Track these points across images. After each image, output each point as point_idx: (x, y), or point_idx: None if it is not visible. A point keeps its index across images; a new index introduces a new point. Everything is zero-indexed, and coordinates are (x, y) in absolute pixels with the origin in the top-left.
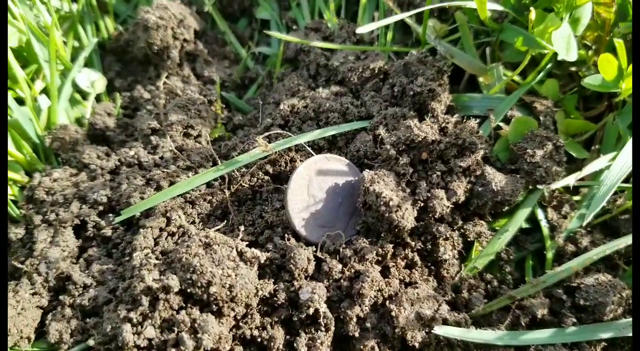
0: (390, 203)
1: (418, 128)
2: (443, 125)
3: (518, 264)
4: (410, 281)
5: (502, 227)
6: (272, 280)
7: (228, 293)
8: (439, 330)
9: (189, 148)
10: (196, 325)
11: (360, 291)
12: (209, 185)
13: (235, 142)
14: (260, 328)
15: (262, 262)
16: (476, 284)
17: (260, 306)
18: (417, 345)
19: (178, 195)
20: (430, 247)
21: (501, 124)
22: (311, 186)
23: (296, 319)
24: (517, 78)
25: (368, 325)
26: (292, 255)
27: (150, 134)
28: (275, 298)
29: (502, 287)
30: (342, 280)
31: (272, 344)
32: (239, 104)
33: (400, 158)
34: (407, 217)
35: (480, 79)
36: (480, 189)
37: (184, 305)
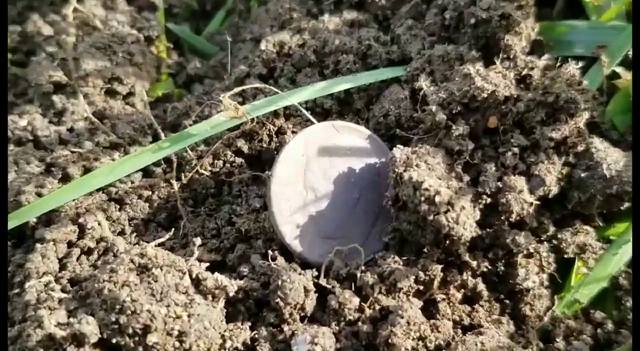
0: (437, 199)
1: (483, 77)
2: (524, 72)
3: None
4: (472, 324)
5: (621, 236)
6: (249, 324)
7: (177, 344)
8: None
9: (114, 115)
10: None
11: (390, 341)
12: (146, 173)
13: (189, 103)
14: None
15: (232, 294)
16: (579, 327)
17: None
18: None
19: (98, 190)
20: (503, 268)
21: (619, 70)
22: (310, 173)
23: None
24: None
25: None
26: (281, 284)
27: (53, 92)
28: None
29: (621, 332)
30: (360, 323)
31: None
32: (195, 43)
33: (455, 127)
34: (464, 222)
35: None
36: (583, 175)
37: None
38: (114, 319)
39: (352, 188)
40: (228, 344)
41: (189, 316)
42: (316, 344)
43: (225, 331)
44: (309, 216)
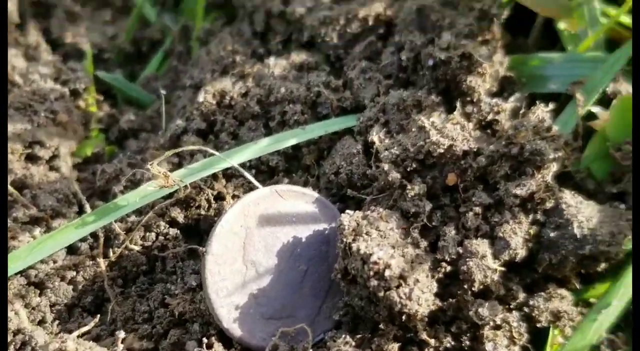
0: (387, 273)
1: (438, 130)
2: (489, 117)
3: None
4: None
5: (601, 298)
6: None
7: None
8: None
9: (35, 184)
10: None
11: None
12: (71, 249)
13: (120, 166)
14: None
15: None
16: None
17: None
18: None
19: (16, 274)
20: (468, 343)
21: (596, 110)
22: (250, 246)
23: None
24: (626, 20)
25: None
26: None
27: None
28: None
29: None
30: None
31: None
32: (130, 91)
33: (410, 187)
34: (419, 297)
35: (562, 25)
36: (553, 235)
37: None
38: None
39: (298, 260)
40: None
41: None
42: None
43: None
44: (250, 295)
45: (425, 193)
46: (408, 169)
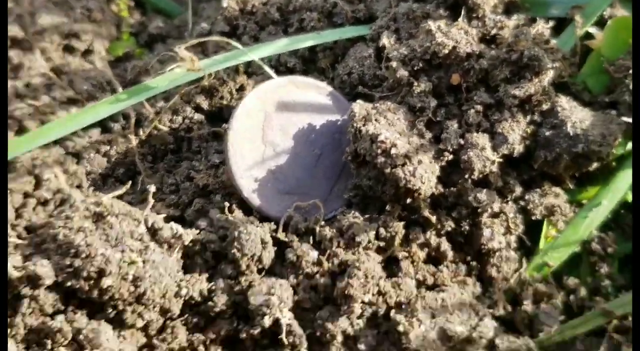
0: (393, 151)
1: (444, 33)
2: (493, 32)
3: (621, 261)
4: (436, 284)
5: (592, 199)
6: (207, 275)
7: (132, 289)
8: None
9: (71, 71)
10: (81, 337)
11: (347, 292)
12: (105, 128)
13: (151, 61)
14: (188, 350)
15: (189, 245)
16: (548, 291)
17: (187, 315)
18: None
19: (54, 143)
20: (467, 228)
21: (593, 30)
22: (268, 128)
23: (245, 336)
24: None
25: (362, 347)
26: (238, 235)
27: (10, 47)
28: (211, 303)
29: (594, 298)
30: (318, 276)
31: None
32: (158, 1)
33: (416, 84)
34: (422, 175)
35: None
36: (548, 134)
37: (62, 307)
38: (68, 263)
39: (312, 145)
40: (184, 292)
41: (143, 262)
42: (273, 294)
43: (181, 280)
44: (268, 171)
45: (431, 91)
46: (415, 68)
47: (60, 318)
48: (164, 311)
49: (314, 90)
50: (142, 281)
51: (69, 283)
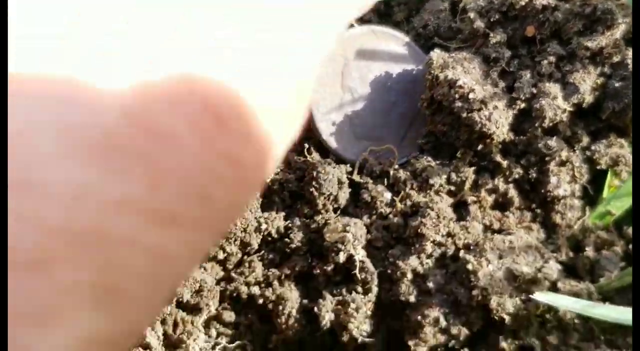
0: (471, 96)
1: None
2: None
3: None
4: (502, 229)
5: None
6: (283, 214)
7: None
8: (543, 296)
9: None
10: None
11: (420, 231)
12: None
13: None
14: (263, 284)
15: (267, 183)
16: (609, 239)
17: (264, 251)
18: (506, 317)
19: None
20: (535, 175)
21: None
22: (347, 74)
23: (319, 272)
24: None
25: (430, 285)
26: (315, 175)
27: None
28: (287, 240)
29: None
30: (391, 216)
31: (280, 309)
32: None
33: (492, 35)
34: (497, 120)
35: None
36: (618, 85)
37: None
38: None
39: (388, 92)
40: (263, 227)
41: None
42: (348, 232)
43: (260, 217)
44: (345, 115)
45: (506, 42)
46: (491, 19)
47: None
48: (244, 245)
49: (392, 40)
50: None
51: None
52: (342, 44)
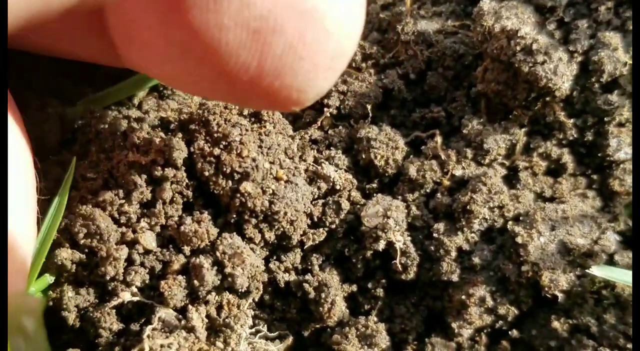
0: (534, 47)
1: None
2: None
3: None
4: (554, 197)
5: None
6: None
7: (267, 204)
8: (601, 271)
9: None
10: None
11: (468, 208)
12: None
13: None
14: (301, 271)
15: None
16: None
17: (303, 236)
18: (558, 295)
19: None
20: (591, 137)
21: None
22: None
23: (356, 259)
24: None
25: (476, 261)
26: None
27: None
28: (323, 221)
29: None
30: (437, 193)
31: (322, 296)
32: None
33: None
34: (564, 75)
35: None
36: None
37: (191, 199)
38: (216, 153)
39: None
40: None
41: (287, 181)
42: (389, 217)
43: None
44: None
45: None
46: None
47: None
48: (283, 236)
49: None
50: (278, 200)
51: (206, 173)
52: None
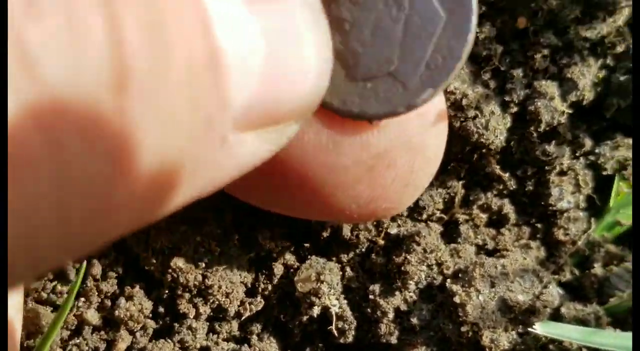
0: (464, 102)
1: None
2: None
3: None
4: (497, 249)
5: None
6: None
7: (200, 278)
8: (544, 327)
9: None
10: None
11: (403, 269)
12: None
13: None
14: (239, 340)
15: None
16: (619, 253)
17: (239, 307)
18: None
19: None
20: (532, 187)
21: None
22: (333, 1)
23: (293, 326)
24: None
25: (415, 321)
26: None
27: None
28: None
29: None
30: (373, 255)
31: None
32: None
33: (480, 31)
34: (496, 129)
35: None
36: (623, 79)
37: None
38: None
39: (391, 5)
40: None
41: (220, 253)
42: (322, 281)
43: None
44: (337, 56)
45: (495, 37)
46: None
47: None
48: (219, 310)
49: None
50: (212, 275)
51: (134, 249)
52: None
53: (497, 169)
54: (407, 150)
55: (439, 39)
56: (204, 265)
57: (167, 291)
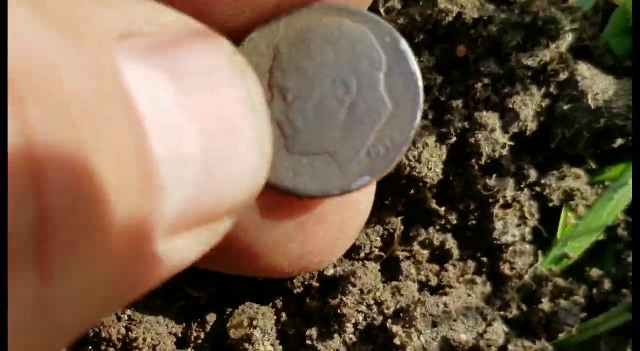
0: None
1: None
2: None
3: None
4: (441, 285)
5: (617, 179)
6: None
7: (123, 332)
8: None
9: None
10: None
11: (340, 312)
12: None
13: None
14: None
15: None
16: (568, 286)
17: None
18: None
19: None
20: (475, 221)
21: None
22: (277, 70)
23: None
24: None
25: None
26: None
27: None
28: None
29: (621, 292)
30: (308, 299)
31: None
32: None
33: (419, 59)
34: (430, 161)
35: None
36: (567, 108)
37: None
38: None
39: (339, 86)
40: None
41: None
42: (255, 327)
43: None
44: (276, 125)
45: (435, 67)
46: (416, 41)
47: None
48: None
49: (344, 17)
50: (136, 327)
51: None
52: (272, 30)
53: (434, 203)
54: (337, 205)
55: (382, 129)
56: (126, 317)
57: (90, 348)
